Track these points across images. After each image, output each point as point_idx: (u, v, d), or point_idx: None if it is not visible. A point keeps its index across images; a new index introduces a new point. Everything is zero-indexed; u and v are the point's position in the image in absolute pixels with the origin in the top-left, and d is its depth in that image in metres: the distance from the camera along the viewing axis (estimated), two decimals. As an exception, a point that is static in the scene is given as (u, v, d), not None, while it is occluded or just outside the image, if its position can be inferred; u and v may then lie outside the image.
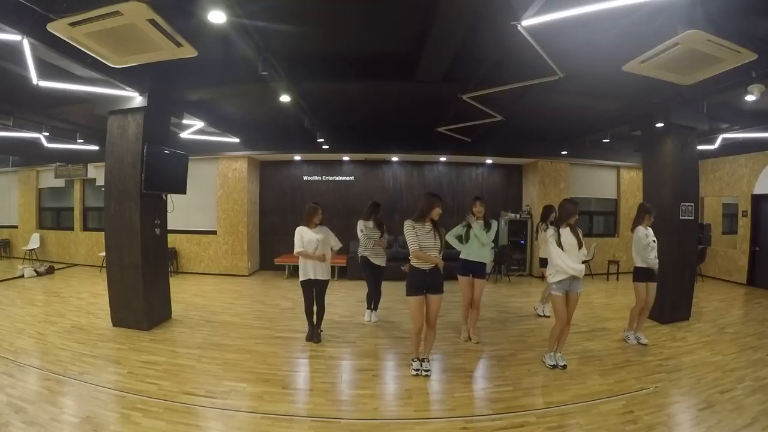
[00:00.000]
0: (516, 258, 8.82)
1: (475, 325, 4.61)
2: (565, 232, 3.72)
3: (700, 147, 5.71)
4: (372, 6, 3.39)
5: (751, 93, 3.75)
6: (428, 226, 3.51)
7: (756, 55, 2.76)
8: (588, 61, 3.69)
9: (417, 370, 3.62)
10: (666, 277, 5.22)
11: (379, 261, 5.11)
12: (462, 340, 4.52)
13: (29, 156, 8.81)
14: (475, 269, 4.47)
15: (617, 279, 8.37)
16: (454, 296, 5.81)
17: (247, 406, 3.01)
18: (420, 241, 3.43)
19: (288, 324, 4.92)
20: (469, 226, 4.45)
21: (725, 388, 3.31)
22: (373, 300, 5.20)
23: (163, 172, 4.88)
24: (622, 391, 3.29)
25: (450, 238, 4.40)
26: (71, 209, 9.81)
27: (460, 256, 4.51)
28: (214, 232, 8.69)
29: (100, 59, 2.88)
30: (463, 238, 4.48)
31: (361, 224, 5.17)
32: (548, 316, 5.32)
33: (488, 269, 4.87)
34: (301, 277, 4.37)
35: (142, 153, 4.61)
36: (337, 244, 4.51)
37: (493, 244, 4.74)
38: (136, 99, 4.65)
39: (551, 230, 3.77)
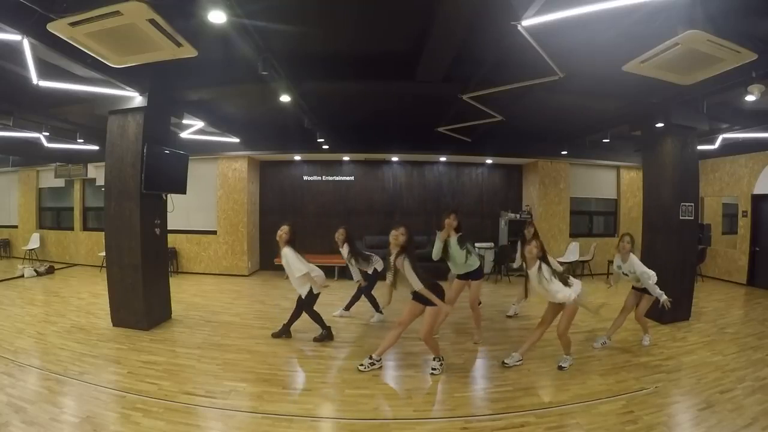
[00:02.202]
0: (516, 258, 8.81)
1: (479, 326, 4.59)
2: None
3: (700, 147, 5.71)
4: (372, 6, 3.38)
5: (751, 93, 3.75)
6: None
7: (756, 55, 2.76)
8: (588, 61, 3.68)
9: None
10: (666, 277, 5.22)
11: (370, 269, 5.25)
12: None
13: (29, 156, 8.81)
14: (470, 276, 4.47)
15: (617, 279, 8.37)
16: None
17: (247, 406, 3.01)
18: None
19: (288, 324, 4.91)
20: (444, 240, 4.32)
21: (725, 388, 3.31)
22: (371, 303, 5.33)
23: (163, 172, 4.88)
24: (622, 391, 3.29)
25: (435, 256, 4.36)
26: (71, 209, 9.80)
27: (453, 271, 4.54)
28: (214, 232, 8.68)
29: (100, 59, 2.88)
30: (440, 252, 4.33)
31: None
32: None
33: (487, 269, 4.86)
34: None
35: (142, 153, 4.61)
36: (296, 272, 4.17)
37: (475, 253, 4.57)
38: (136, 99, 4.64)
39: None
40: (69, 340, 4.29)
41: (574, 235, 8.95)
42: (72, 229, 9.77)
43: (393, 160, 9.19)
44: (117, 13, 2.32)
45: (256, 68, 3.76)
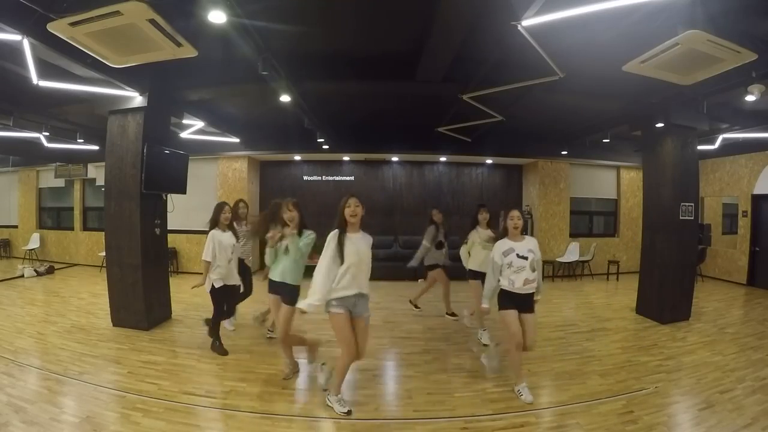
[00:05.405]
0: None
1: (287, 359, 3.49)
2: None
3: (700, 147, 5.71)
4: (372, 6, 3.39)
5: (751, 93, 3.75)
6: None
7: (756, 55, 2.76)
8: (588, 61, 3.69)
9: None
10: (666, 277, 5.24)
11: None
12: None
13: (29, 156, 8.81)
14: (280, 291, 3.36)
15: (617, 279, 8.37)
16: (457, 296, 5.80)
17: (247, 406, 3.01)
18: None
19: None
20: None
21: (725, 388, 3.30)
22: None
23: (163, 172, 4.88)
24: (622, 391, 3.29)
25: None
26: (71, 209, 9.80)
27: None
28: (214, 232, 8.68)
29: (100, 59, 2.88)
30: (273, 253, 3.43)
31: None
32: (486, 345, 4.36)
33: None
34: (218, 284, 3.86)
35: (142, 153, 4.61)
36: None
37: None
38: (136, 99, 4.65)
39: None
40: (69, 340, 4.29)
41: (574, 235, 8.95)
42: (72, 229, 9.77)
43: (393, 160, 9.19)
44: (117, 13, 2.32)
45: (256, 68, 3.76)
